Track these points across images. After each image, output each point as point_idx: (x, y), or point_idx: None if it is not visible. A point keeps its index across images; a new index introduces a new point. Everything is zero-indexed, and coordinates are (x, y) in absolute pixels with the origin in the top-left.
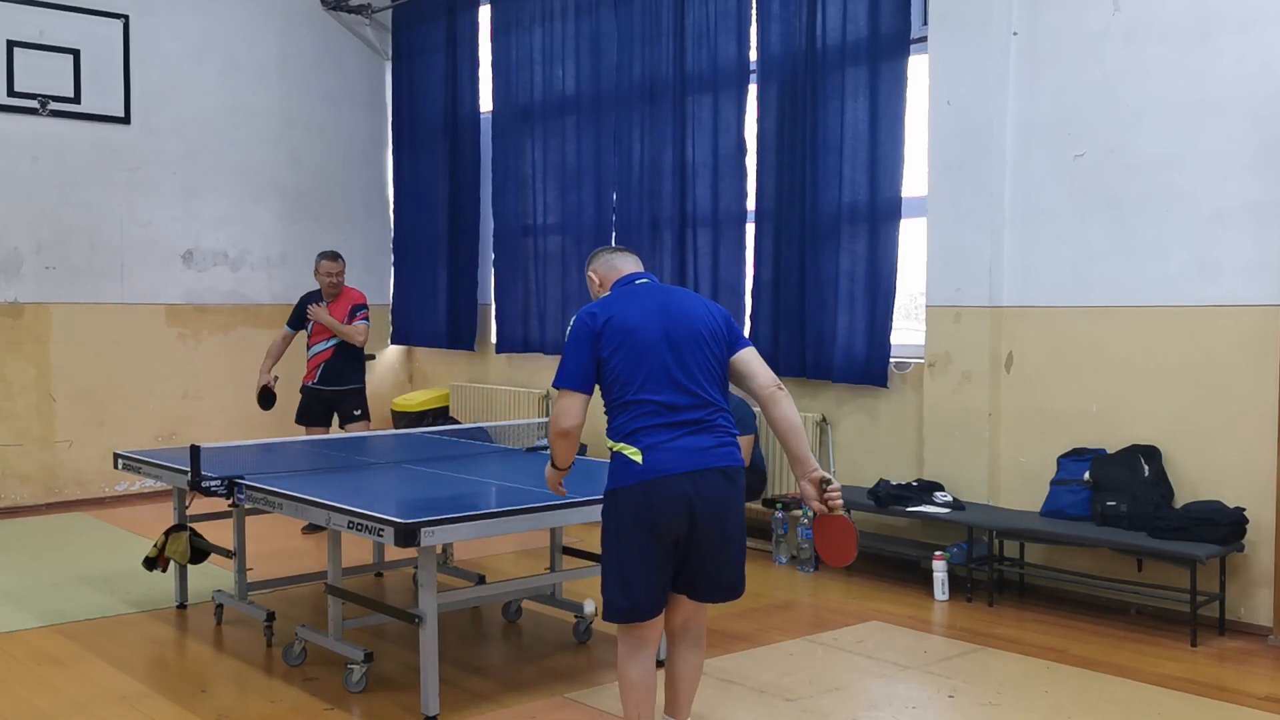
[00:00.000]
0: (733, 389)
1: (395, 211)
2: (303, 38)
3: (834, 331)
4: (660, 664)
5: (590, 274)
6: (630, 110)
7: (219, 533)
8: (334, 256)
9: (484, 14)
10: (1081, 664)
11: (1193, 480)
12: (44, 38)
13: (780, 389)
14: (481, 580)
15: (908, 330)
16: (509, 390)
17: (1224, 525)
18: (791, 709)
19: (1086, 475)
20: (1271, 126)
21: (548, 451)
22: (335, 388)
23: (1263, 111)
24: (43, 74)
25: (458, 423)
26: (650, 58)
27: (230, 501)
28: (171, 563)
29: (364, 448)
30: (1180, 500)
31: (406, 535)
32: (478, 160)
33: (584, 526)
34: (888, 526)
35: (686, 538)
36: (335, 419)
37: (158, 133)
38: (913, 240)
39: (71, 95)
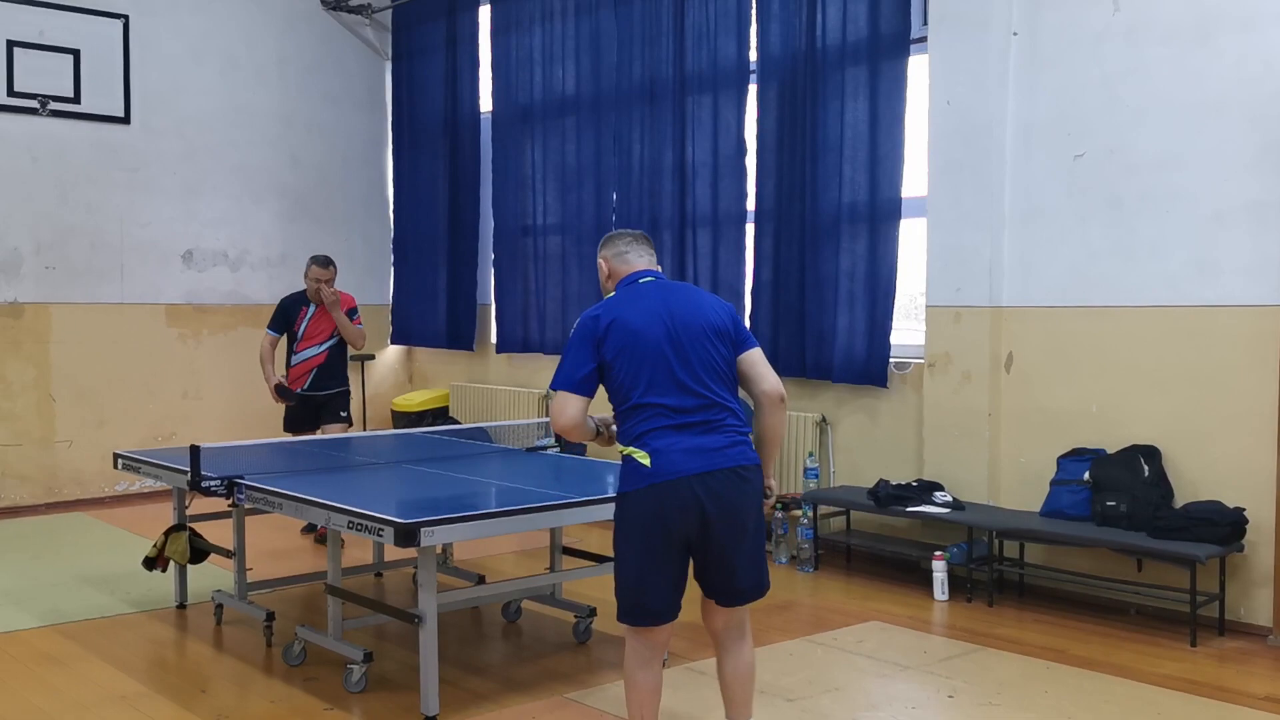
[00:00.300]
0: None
1: (395, 211)
2: (303, 38)
3: (834, 331)
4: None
5: (600, 260)
6: (630, 110)
7: (219, 533)
8: (325, 262)
9: (484, 14)
10: (1081, 664)
11: (1193, 480)
12: (44, 38)
13: (783, 401)
14: (481, 580)
15: (908, 330)
16: (509, 390)
17: (1224, 525)
18: (791, 709)
19: (1086, 475)
20: (1271, 126)
21: (548, 451)
22: (326, 391)
23: (1263, 111)
24: (43, 74)
25: (457, 423)
26: (650, 58)
27: (230, 501)
28: (171, 563)
29: (364, 448)
30: (1180, 500)
31: (406, 535)
32: (478, 160)
33: (584, 526)
34: (888, 526)
35: (701, 540)
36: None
37: (158, 133)
38: (913, 240)
39: (71, 95)
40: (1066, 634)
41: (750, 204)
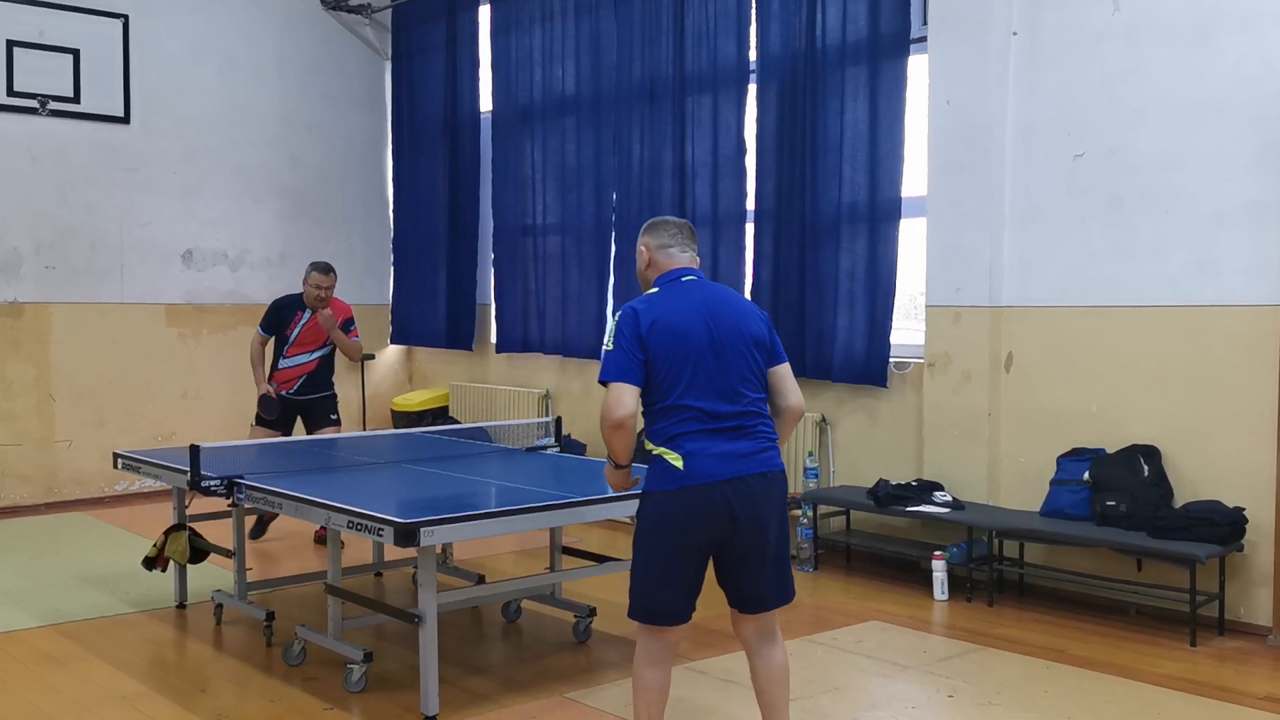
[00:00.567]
0: None
1: (395, 211)
2: (302, 38)
3: (834, 331)
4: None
5: (642, 246)
6: (630, 110)
7: (219, 533)
8: (326, 269)
9: (484, 14)
10: (1081, 664)
11: (1192, 480)
12: (44, 38)
13: (802, 415)
14: (481, 580)
15: (907, 330)
16: (509, 390)
17: (1223, 525)
18: (791, 709)
19: (1086, 475)
20: (1271, 126)
21: (548, 451)
22: (312, 395)
23: (1263, 111)
24: (43, 74)
25: (457, 423)
26: (650, 58)
27: (230, 501)
28: (171, 562)
29: (364, 448)
30: (1180, 500)
31: (406, 535)
32: (477, 160)
33: (584, 526)
34: (887, 526)
35: (729, 545)
36: (301, 422)
37: (157, 133)
38: (913, 240)
39: (71, 95)
40: (1066, 634)
41: (750, 204)
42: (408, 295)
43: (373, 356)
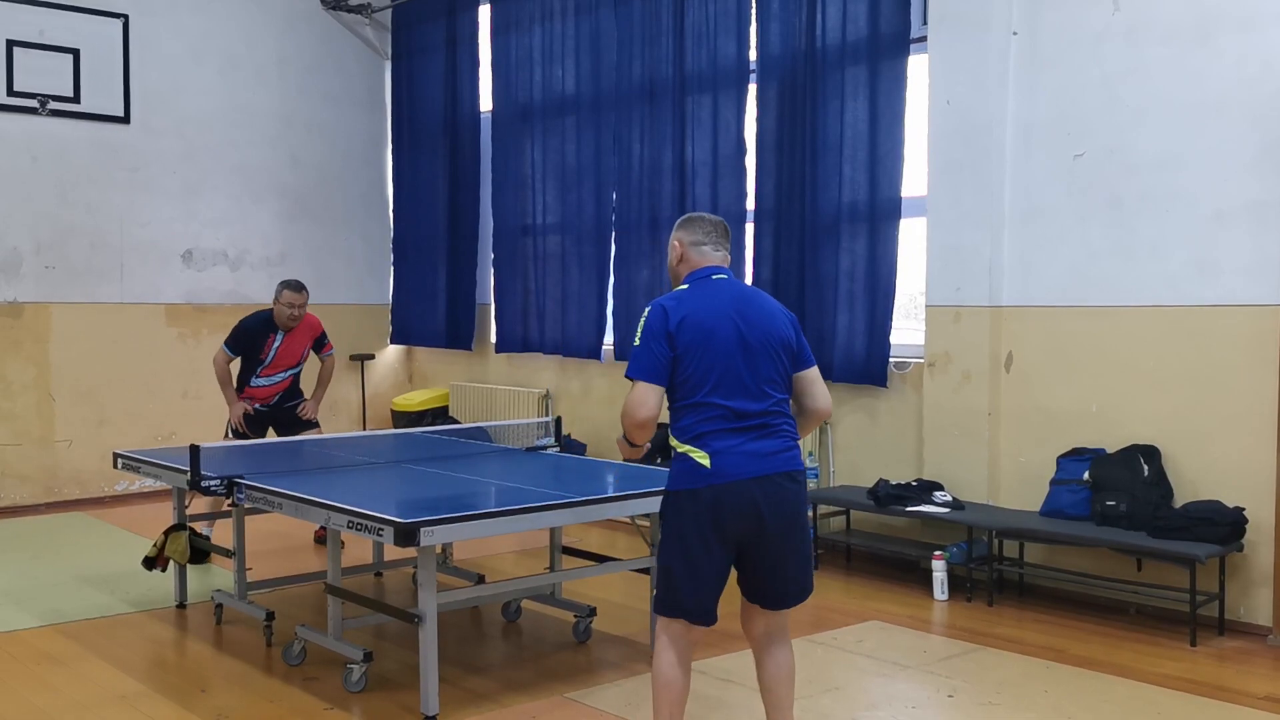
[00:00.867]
0: None
1: (395, 211)
2: (302, 37)
3: (834, 331)
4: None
5: (675, 241)
6: (630, 110)
7: (219, 533)
8: (298, 288)
9: (484, 14)
10: (1081, 664)
11: (1192, 480)
12: (44, 37)
13: (824, 419)
14: (481, 580)
15: (907, 330)
16: (509, 390)
17: (1223, 525)
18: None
19: (1086, 475)
20: (1271, 126)
21: (548, 451)
22: (290, 403)
23: (1263, 111)
24: (42, 74)
25: (457, 422)
26: (650, 58)
27: (230, 501)
28: (171, 562)
29: (364, 448)
30: (1180, 500)
31: (406, 535)
32: (477, 160)
33: (584, 526)
34: (887, 526)
35: (755, 543)
36: (273, 430)
37: (157, 133)
38: (913, 240)
39: (71, 95)
40: (1066, 634)
41: (750, 203)
42: (408, 295)
43: (373, 356)
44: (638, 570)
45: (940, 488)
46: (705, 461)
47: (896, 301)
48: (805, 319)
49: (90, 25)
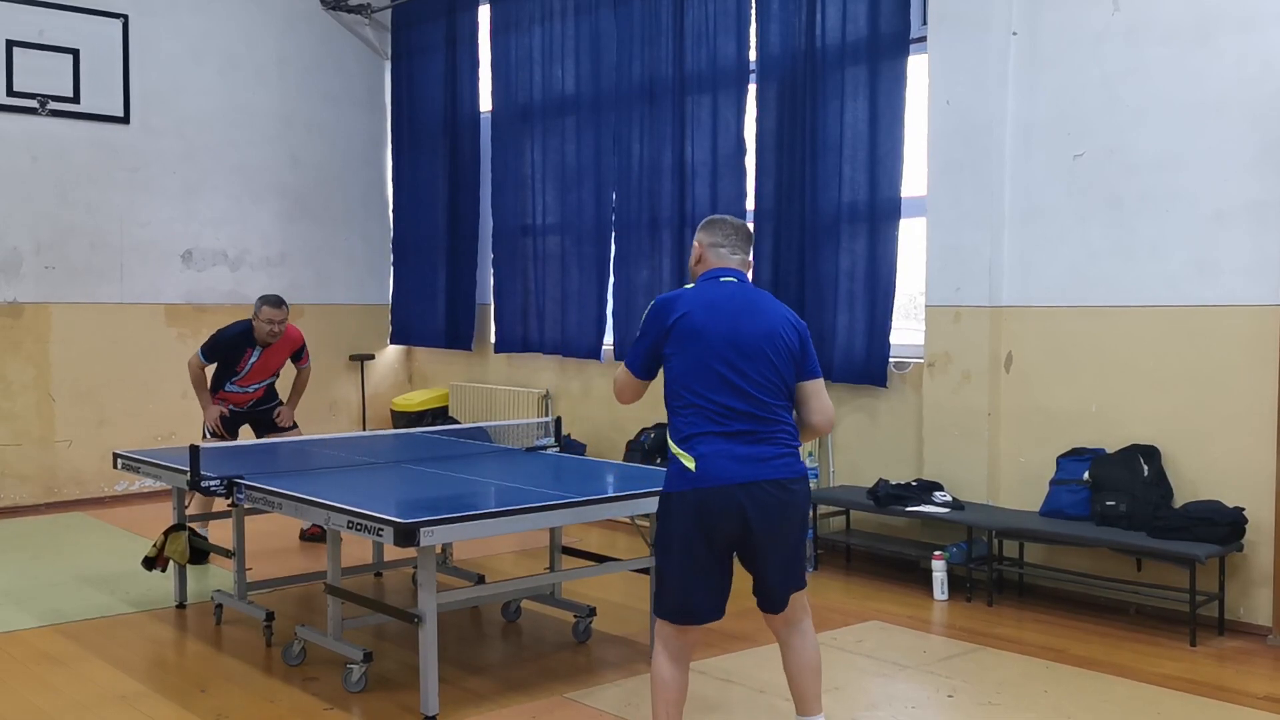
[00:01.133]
0: None
1: (395, 211)
2: (302, 37)
3: (833, 331)
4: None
5: (696, 243)
6: (630, 110)
7: (219, 532)
8: (278, 303)
9: (484, 14)
10: (1081, 664)
11: (1192, 480)
12: (44, 37)
13: (823, 434)
14: (481, 580)
15: (907, 330)
16: (508, 390)
17: (1223, 525)
18: (791, 709)
19: (1086, 475)
20: (1271, 126)
21: (547, 451)
22: (264, 406)
23: (1263, 111)
24: (42, 74)
25: (457, 422)
26: (650, 58)
27: (230, 501)
28: (171, 563)
29: (364, 448)
30: (1180, 500)
31: (406, 535)
32: (477, 160)
33: (583, 526)
34: (887, 526)
35: (742, 547)
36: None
37: (157, 133)
38: (912, 240)
39: (71, 95)
40: (1066, 634)
41: (750, 203)
42: (407, 295)
43: (372, 357)
44: (638, 570)
45: (940, 488)
46: (691, 465)
47: (896, 301)
48: (805, 319)
49: (90, 25)
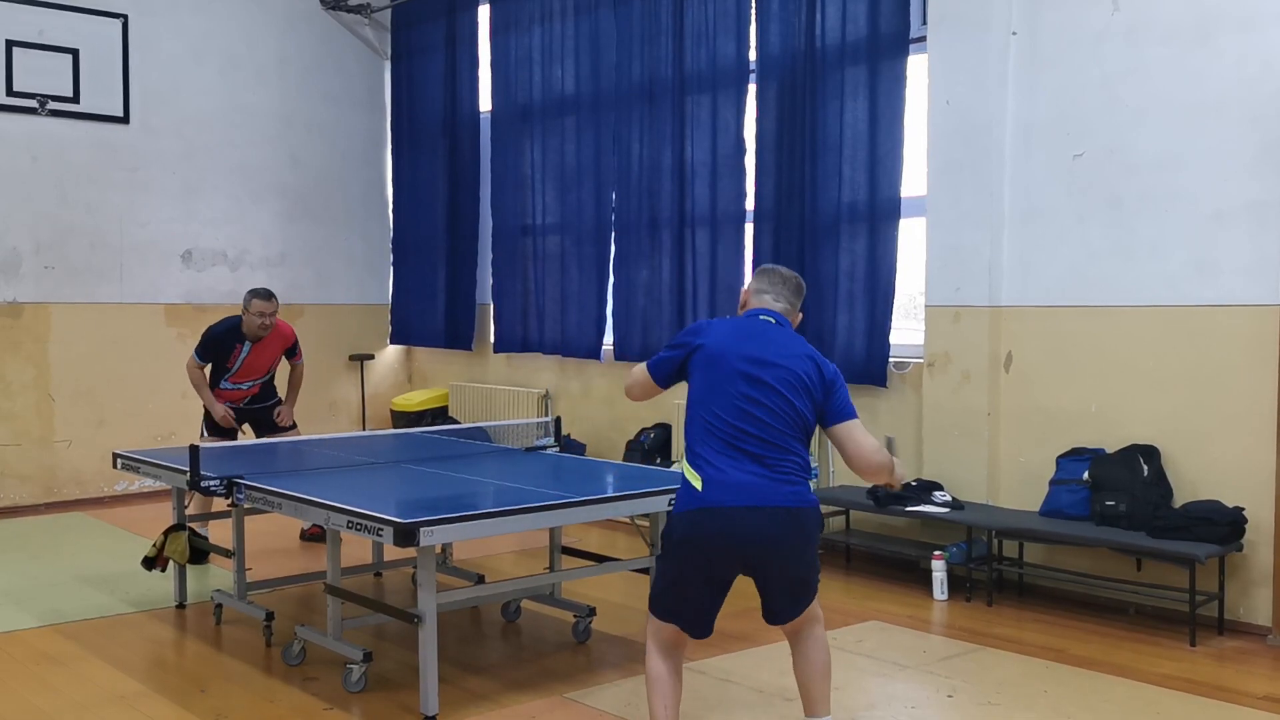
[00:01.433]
0: None
1: (394, 211)
2: (302, 37)
3: (833, 331)
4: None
5: (744, 288)
6: (629, 110)
7: (219, 532)
8: (268, 296)
9: (483, 14)
10: (1081, 664)
11: (1192, 480)
12: (43, 37)
13: (879, 472)
14: (480, 580)
15: (907, 330)
16: (508, 390)
17: (1223, 525)
18: (791, 709)
19: (1086, 475)
20: (1271, 126)
21: (547, 451)
22: (262, 405)
23: (1263, 111)
24: (42, 74)
25: (457, 422)
26: (649, 58)
27: (229, 501)
28: (171, 562)
29: (364, 448)
30: (1179, 500)
31: (405, 535)
32: (477, 160)
33: (583, 526)
34: (887, 526)
35: (749, 570)
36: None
37: (157, 133)
38: (912, 240)
39: (71, 95)
40: (1066, 634)
41: (749, 204)
42: (407, 295)
43: (372, 356)
44: (637, 570)
45: (940, 488)
46: (698, 484)
47: (896, 301)
48: (804, 319)
49: (90, 25)
